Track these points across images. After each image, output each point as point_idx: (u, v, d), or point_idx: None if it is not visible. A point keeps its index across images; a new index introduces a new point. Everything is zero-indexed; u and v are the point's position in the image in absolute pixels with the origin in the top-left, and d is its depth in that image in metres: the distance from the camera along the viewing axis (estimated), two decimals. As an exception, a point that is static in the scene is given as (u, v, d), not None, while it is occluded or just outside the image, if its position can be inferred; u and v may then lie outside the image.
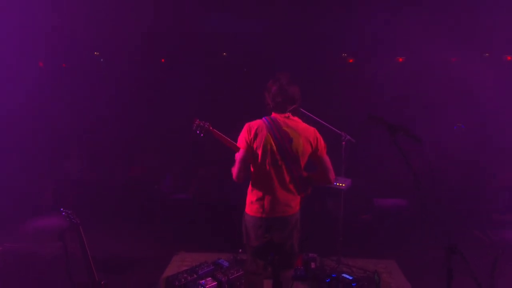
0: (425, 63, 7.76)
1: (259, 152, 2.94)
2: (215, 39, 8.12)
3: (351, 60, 8.55)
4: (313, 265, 4.65)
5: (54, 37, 7.44)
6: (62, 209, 3.67)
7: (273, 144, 2.93)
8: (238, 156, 3.01)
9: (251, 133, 2.97)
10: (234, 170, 3.02)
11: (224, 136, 3.20)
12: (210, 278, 4.28)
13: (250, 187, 3.11)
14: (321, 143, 3.07)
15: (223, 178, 6.91)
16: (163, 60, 8.91)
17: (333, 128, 4.57)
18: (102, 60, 8.94)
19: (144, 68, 8.67)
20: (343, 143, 4.66)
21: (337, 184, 4.64)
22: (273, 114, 3.08)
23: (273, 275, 3.26)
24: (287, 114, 3.05)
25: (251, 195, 3.08)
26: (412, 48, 7.64)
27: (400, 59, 8.28)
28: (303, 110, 4.01)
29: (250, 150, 2.97)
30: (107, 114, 8.17)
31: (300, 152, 2.96)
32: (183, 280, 4.24)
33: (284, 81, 3.02)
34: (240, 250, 4.82)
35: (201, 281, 4.20)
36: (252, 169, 3.06)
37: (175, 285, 4.17)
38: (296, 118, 3.09)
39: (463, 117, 7.81)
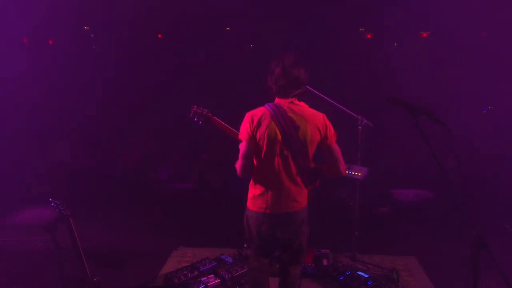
0: (454, 38, 7.63)
1: (263, 141, 2.92)
2: (217, 11, 8.06)
3: (369, 36, 8.44)
4: (325, 261, 4.67)
5: (39, 10, 7.41)
6: (50, 199, 3.73)
7: (278, 133, 2.90)
8: (241, 150, 3.00)
9: (253, 123, 2.93)
10: (238, 166, 3.02)
11: (224, 124, 3.20)
12: (212, 275, 4.36)
13: (252, 180, 3.10)
14: (331, 130, 3.03)
15: (227, 165, 6.94)
16: (160, 36, 8.89)
17: (349, 111, 4.55)
18: (92, 35, 8.92)
19: (139, 44, 8.66)
20: (360, 128, 4.64)
21: (352, 173, 4.63)
22: (277, 100, 3.05)
23: (280, 272, 3.31)
24: (291, 99, 3.01)
25: (254, 189, 3.07)
26: (439, 21, 7.52)
27: (425, 34, 8.16)
28: (315, 92, 3.99)
29: (253, 142, 2.95)
30: (99, 96, 8.20)
31: (308, 141, 2.93)
32: (183, 277, 4.31)
33: (288, 62, 2.96)
34: (245, 245, 4.86)
35: (202, 279, 4.27)
36: (255, 160, 3.05)
37: (174, 282, 4.24)
38: (302, 103, 3.05)
39: (498, 99, 7.74)
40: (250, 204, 3.10)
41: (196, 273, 4.42)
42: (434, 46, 8.01)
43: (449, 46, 7.77)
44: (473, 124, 7.13)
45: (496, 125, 7.51)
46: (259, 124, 2.93)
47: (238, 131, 3.08)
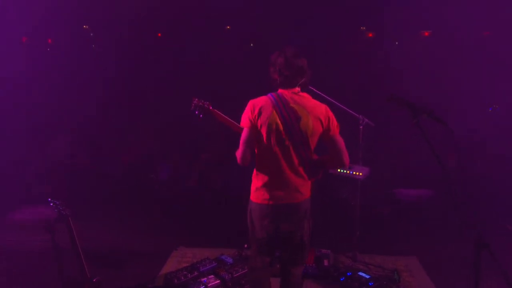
0: (455, 37, 7.61)
1: (264, 131, 2.93)
2: (217, 11, 8.05)
3: (370, 34, 8.43)
4: (326, 262, 4.66)
5: (39, 10, 7.41)
6: (49, 199, 3.72)
7: (279, 123, 2.91)
8: (242, 137, 3.01)
9: (255, 111, 2.95)
10: (238, 153, 3.03)
11: (225, 117, 3.20)
12: (212, 275, 4.33)
13: (254, 171, 3.10)
14: (334, 122, 3.03)
15: (228, 164, 6.93)
16: (159, 35, 8.89)
17: (350, 111, 4.53)
18: (92, 34, 8.92)
19: (139, 44, 8.65)
20: (361, 127, 4.63)
21: (354, 173, 4.62)
22: (280, 90, 3.06)
23: (282, 272, 3.29)
24: (295, 90, 3.02)
25: (256, 180, 3.07)
26: (439, 20, 7.50)
27: (426, 33, 8.14)
28: (315, 90, 3.98)
29: (254, 130, 2.96)
30: (99, 96, 8.19)
31: (309, 132, 2.93)
32: (182, 277, 4.29)
33: (290, 53, 2.99)
34: (246, 245, 4.85)
35: (202, 279, 4.25)
36: (256, 151, 3.05)
37: (174, 283, 4.22)
38: (305, 94, 3.06)
39: (498, 99, 7.71)
40: (253, 196, 3.10)
41: (196, 273, 4.40)
42: (435, 45, 8.00)
43: (450, 46, 7.76)
44: (474, 124, 7.11)
45: (496, 125, 7.50)
46: (260, 113, 2.94)
47: (239, 123, 3.09)
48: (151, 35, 8.90)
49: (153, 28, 8.78)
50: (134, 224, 6.12)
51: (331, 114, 3.04)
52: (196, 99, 3.23)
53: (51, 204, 3.68)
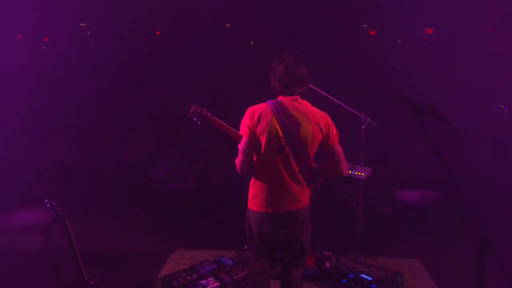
0: (458, 35, 7.55)
1: (263, 138, 2.87)
2: (217, 11, 8.01)
3: (372, 32, 8.38)
4: (327, 264, 4.60)
5: (39, 10, 7.38)
6: (46, 200, 3.66)
7: (279, 129, 2.85)
8: (241, 145, 2.95)
9: (254, 118, 2.89)
10: (238, 162, 2.96)
11: (224, 124, 3.14)
12: (212, 278, 4.28)
13: (252, 179, 3.03)
14: (333, 130, 2.98)
15: (228, 164, 6.89)
16: (158, 33, 8.85)
17: (352, 110, 4.47)
18: (89, 32, 8.89)
19: (137, 42, 8.62)
20: (363, 126, 4.56)
21: (355, 173, 4.56)
22: (280, 97, 3.01)
23: (281, 274, 3.24)
24: (295, 97, 2.97)
25: (254, 188, 3.01)
26: (443, 18, 7.45)
27: (430, 31, 8.09)
28: (318, 90, 3.93)
29: (253, 138, 2.90)
30: (99, 96, 8.16)
31: (309, 139, 2.88)
32: (181, 280, 4.23)
33: (291, 60, 2.94)
34: (246, 247, 4.79)
35: (202, 281, 4.20)
36: (255, 158, 2.99)
37: (173, 285, 4.16)
38: (305, 102, 3.01)
39: (499, 99, 7.67)
40: (250, 204, 3.04)
41: (195, 275, 4.34)
42: (437, 44, 7.94)
43: (452, 45, 7.71)
44: (474, 123, 7.07)
45: (497, 124, 7.45)
46: (259, 119, 2.88)
47: (238, 129, 3.02)
48: (151, 35, 8.86)
49: (153, 28, 8.73)
50: (134, 224, 6.09)
51: (330, 122, 2.99)
52: (194, 106, 3.19)
53: (48, 205, 3.62)
